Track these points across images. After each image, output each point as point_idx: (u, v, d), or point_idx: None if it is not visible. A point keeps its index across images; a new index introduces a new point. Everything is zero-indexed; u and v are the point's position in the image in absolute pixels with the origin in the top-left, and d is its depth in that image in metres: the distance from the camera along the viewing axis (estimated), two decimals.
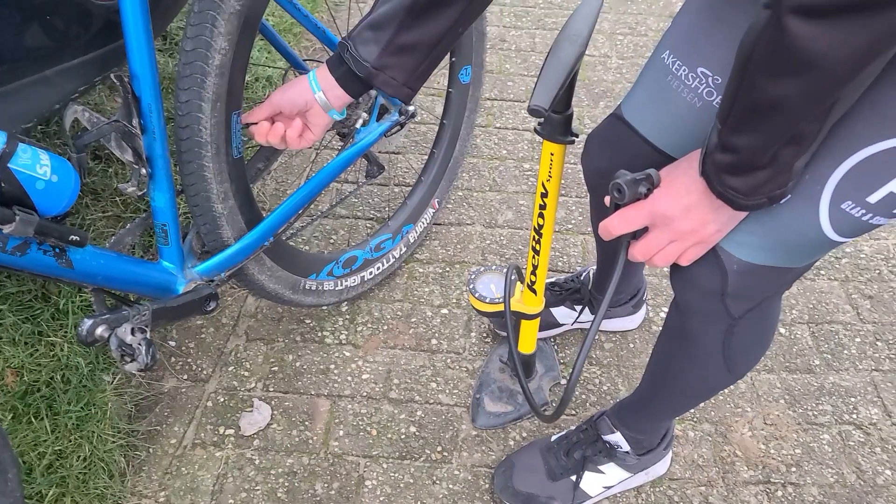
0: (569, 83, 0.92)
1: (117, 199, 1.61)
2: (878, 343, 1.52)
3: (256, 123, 1.03)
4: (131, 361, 0.93)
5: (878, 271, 1.67)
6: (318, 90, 1.00)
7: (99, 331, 0.93)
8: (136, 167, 0.99)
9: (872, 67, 0.57)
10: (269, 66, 2.07)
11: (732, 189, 0.70)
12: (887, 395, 1.42)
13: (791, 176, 0.69)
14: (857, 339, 1.53)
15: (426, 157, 1.74)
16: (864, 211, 0.71)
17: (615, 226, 0.81)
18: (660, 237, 0.80)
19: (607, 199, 0.83)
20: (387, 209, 1.79)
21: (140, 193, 1.00)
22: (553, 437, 1.30)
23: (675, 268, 0.88)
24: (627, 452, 1.23)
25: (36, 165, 0.82)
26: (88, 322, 0.92)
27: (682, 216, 0.77)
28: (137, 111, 0.96)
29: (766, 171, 0.68)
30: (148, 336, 0.95)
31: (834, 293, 1.62)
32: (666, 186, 0.78)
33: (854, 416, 1.39)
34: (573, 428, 1.29)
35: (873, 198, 0.70)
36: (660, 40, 0.98)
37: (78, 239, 0.90)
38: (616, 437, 1.22)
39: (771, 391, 1.43)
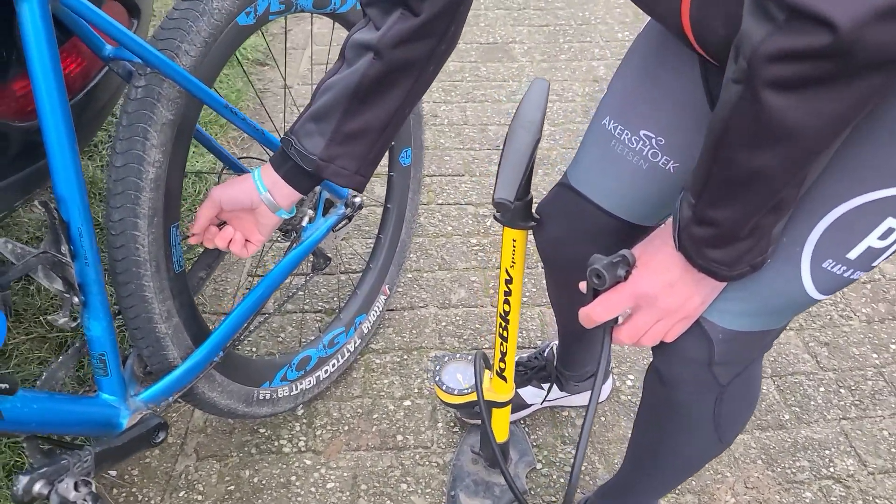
0: (528, 170, 0.90)
1: (41, 318, 1.49)
2: (841, 391, 1.52)
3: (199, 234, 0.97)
4: None
5: (829, 317, 1.70)
6: (265, 190, 0.95)
7: (37, 488, 0.82)
8: (68, 296, 0.90)
9: (846, 132, 0.58)
10: (204, 172, 2.00)
11: (715, 261, 0.69)
12: (859, 444, 1.42)
13: (771, 241, 0.69)
14: (822, 389, 1.53)
15: (371, 240, 1.69)
16: (845, 267, 0.72)
17: (599, 313, 0.78)
18: (645, 318, 0.77)
19: (583, 286, 0.80)
20: (335, 299, 1.72)
21: (73, 325, 0.91)
22: None
23: (659, 343, 0.86)
24: None
25: None
26: (24, 479, 0.82)
27: (665, 294, 0.75)
28: (66, 237, 0.88)
29: (748, 241, 0.67)
30: (93, 489, 0.85)
31: (791, 343, 1.63)
32: (644, 265, 0.76)
33: (831, 469, 1.37)
34: None
35: (853, 254, 0.71)
36: (598, 107, 0.98)
37: (7, 387, 0.81)
38: None
39: (747, 452, 1.40)
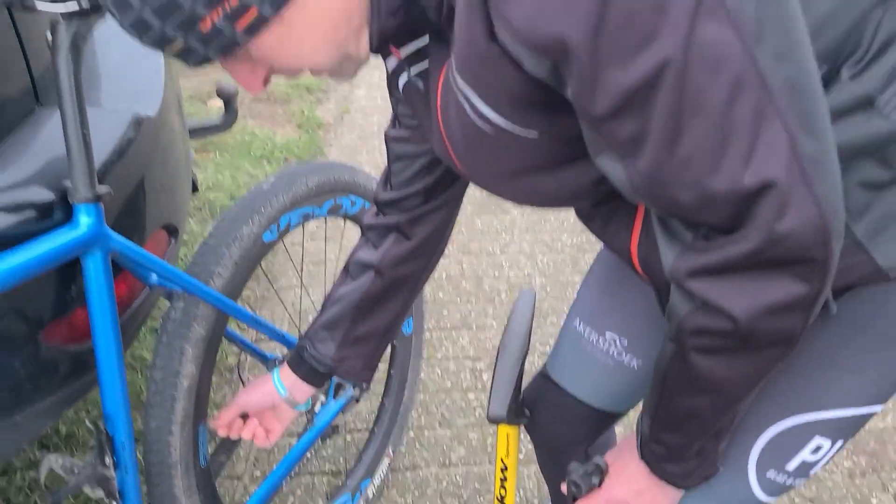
0: (519, 381, 1.03)
1: None
2: None
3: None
4: None
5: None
6: (285, 392, 1.07)
7: None
8: (107, 502, 1.00)
9: (764, 382, 0.70)
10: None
11: (671, 474, 0.81)
12: None
13: (718, 457, 0.80)
14: None
15: (376, 400, 1.79)
16: (786, 476, 0.83)
17: None
18: None
19: (563, 488, 0.91)
20: (341, 459, 1.80)
21: None
22: None
23: None
24: None
25: None
26: None
27: (636, 499, 0.86)
28: (110, 449, 0.99)
29: (696, 460, 0.79)
30: None
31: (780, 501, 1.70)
32: (616, 474, 0.88)
33: None
34: None
35: (790, 466, 0.82)
36: (570, 309, 1.11)
37: None
38: None
39: None
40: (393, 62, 0.80)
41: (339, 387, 1.42)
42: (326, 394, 1.37)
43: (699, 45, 0.50)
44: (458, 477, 1.76)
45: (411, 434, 1.88)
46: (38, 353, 1.00)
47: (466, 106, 0.66)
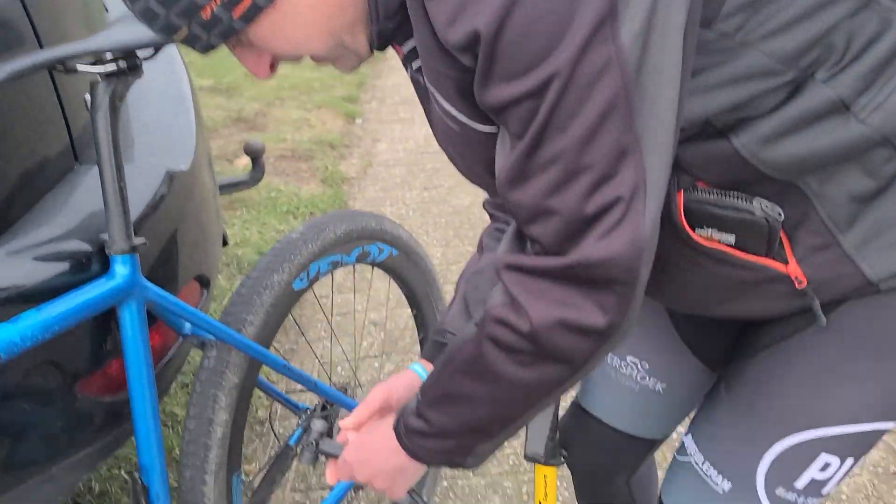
0: (555, 419, 1.01)
1: None
2: None
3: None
4: None
5: None
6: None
7: None
8: None
9: (537, 404, 0.70)
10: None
11: (419, 446, 0.77)
12: None
13: (472, 455, 0.77)
14: None
15: None
16: (795, 495, 0.81)
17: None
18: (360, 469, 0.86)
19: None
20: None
21: None
22: None
23: None
24: None
25: None
26: None
27: (374, 461, 0.84)
28: (146, 500, 0.99)
29: (450, 442, 0.75)
30: None
31: None
32: (367, 433, 0.86)
33: None
34: None
35: (799, 483, 0.80)
36: None
37: None
38: None
39: None
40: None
41: None
42: None
43: (585, 68, 0.53)
44: None
45: (445, 483, 1.85)
46: (74, 404, 1.01)
47: (435, 104, 0.70)
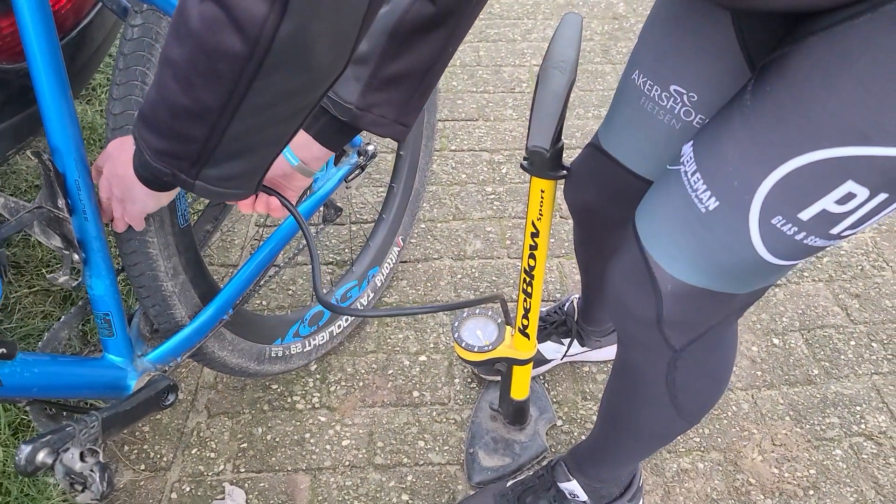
0: (563, 115, 0.82)
1: (43, 271, 1.44)
2: (873, 345, 1.47)
3: None
4: (83, 491, 0.78)
5: (860, 267, 1.63)
6: (296, 161, 0.89)
7: (41, 457, 0.78)
8: (68, 253, 0.84)
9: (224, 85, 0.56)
10: None
11: (145, 147, 0.66)
12: (891, 400, 1.37)
13: (195, 167, 0.65)
14: (852, 343, 1.48)
15: (383, 189, 1.62)
16: (796, 228, 0.64)
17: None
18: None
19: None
20: (346, 251, 1.66)
21: (75, 283, 0.85)
22: (508, 483, 1.20)
23: (610, 297, 0.82)
24: (585, 502, 1.13)
25: None
26: (27, 449, 0.77)
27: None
28: (63, 190, 0.81)
29: (168, 144, 0.64)
30: (100, 458, 0.80)
31: (821, 295, 1.57)
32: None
33: (862, 426, 1.33)
34: (530, 473, 1.20)
35: (805, 214, 0.63)
36: (629, 58, 0.90)
37: (5, 351, 0.75)
38: (572, 486, 1.13)
39: (774, 408, 1.36)
40: None
41: (340, 155, 1.23)
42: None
43: None
44: (473, 269, 1.63)
45: (423, 226, 1.73)
46: None
47: None
